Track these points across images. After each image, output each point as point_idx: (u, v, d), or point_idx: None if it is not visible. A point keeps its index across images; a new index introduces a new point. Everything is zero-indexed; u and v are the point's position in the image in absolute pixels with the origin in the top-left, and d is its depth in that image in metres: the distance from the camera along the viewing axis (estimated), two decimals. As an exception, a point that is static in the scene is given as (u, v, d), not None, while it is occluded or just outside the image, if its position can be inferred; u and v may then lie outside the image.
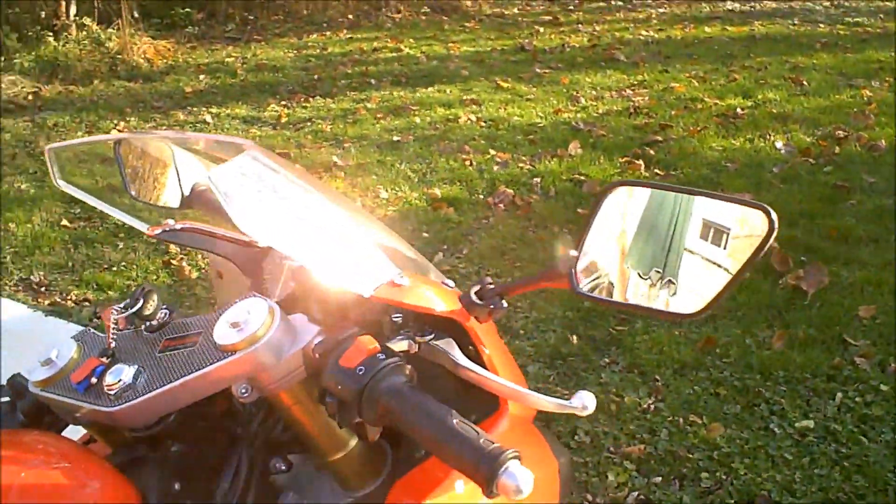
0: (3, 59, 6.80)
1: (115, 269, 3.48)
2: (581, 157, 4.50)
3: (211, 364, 0.71)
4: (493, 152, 4.64)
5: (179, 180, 1.02)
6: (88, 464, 0.72)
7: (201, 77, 6.86)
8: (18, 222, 3.93)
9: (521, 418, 0.91)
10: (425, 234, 3.69)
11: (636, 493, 2.17)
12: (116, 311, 0.80)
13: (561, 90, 5.87)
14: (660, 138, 4.66)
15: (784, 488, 2.14)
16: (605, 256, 0.87)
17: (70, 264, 3.53)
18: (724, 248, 0.82)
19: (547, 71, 6.46)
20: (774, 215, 0.77)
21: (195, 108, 5.85)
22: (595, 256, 0.87)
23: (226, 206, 0.75)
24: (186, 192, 1.03)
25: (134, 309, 0.79)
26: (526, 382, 0.93)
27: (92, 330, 0.82)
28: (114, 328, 0.80)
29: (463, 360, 0.80)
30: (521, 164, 4.46)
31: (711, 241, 0.82)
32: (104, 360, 0.76)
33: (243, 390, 0.75)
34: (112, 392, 0.73)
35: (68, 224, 3.91)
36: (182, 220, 1.03)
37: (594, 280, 0.87)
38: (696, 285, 0.82)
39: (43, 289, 3.35)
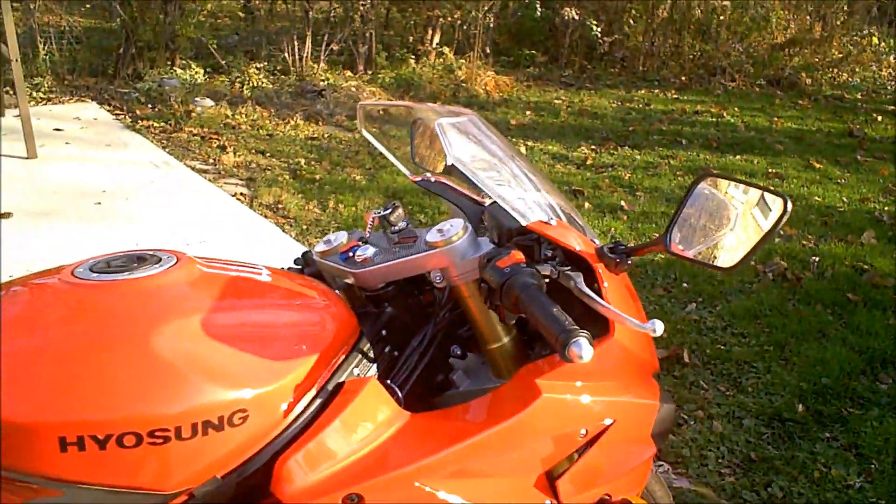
0: (370, 72, 8.06)
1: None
2: (872, 248, 4.38)
3: (420, 253, 1.13)
4: (779, 225, 4.67)
5: (445, 156, 1.47)
6: (337, 300, 1.16)
7: (528, 112, 7.56)
8: (346, 205, 4.77)
9: (632, 355, 1.19)
10: (685, 285, 3.90)
11: (811, 552, 2.26)
12: (374, 215, 1.26)
13: (876, 180, 5.66)
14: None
15: None
16: (688, 228, 1.16)
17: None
18: (755, 224, 1.09)
19: (868, 160, 6.22)
20: (790, 204, 1.07)
21: (513, 139, 6.51)
22: (682, 229, 1.16)
23: (444, 145, 1.15)
24: (448, 164, 1.47)
25: (384, 213, 1.24)
26: (644, 319, 1.20)
27: (356, 229, 1.29)
28: (370, 225, 1.26)
29: (584, 288, 1.12)
30: (804, 242, 4.46)
31: (748, 218, 1.10)
32: (360, 242, 1.22)
33: (437, 277, 1.15)
34: (359, 261, 1.17)
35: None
36: (436, 176, 1.47)
37: (679, 245, 1.16)
38: (735, 249, 1.10)
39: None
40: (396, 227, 1.23)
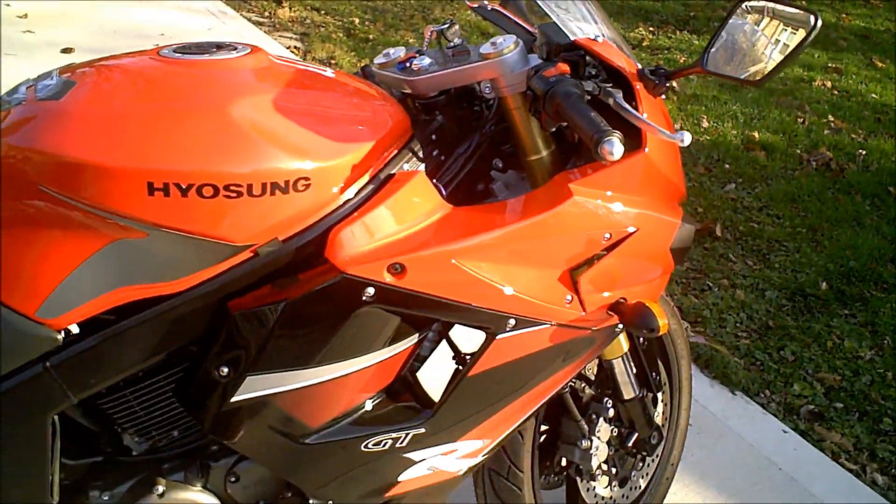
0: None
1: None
2: (922, 147, 4.35)
3: (474, 63, 1.23)
4: (831, 118, 4.64)
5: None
6: (394, 101, 1.25)
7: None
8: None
9: (661, 175, 1.29)
10: (727, 166, 3.94)
11: (812, 407, 2.41)
12: (433, 29, 1.34)
13: (938, 83, 5.52)
14: None
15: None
16: (724, 51, 1.24)
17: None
18: (785, 41, 1.17)
19: (934, 62, 6.04)
20: (819, 20, 1.14)
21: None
22: (719, 52, 1.24)
23: None
24: None
25: (442, 27, 1.33)
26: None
27: (412, 44, 1.38)
28: (428, 39, 1.35)
29: (622, 102, 1.20)
30: (853, 136, 4.44)
31: (779, 35, 1.18)
32: (417, 54, 1.31)
33: (487, 88, 1.24)
34: (415, 69, 1.26)
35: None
36: (492, 3, 1.55)
37: (717, 68, 1.24)
38: (766, 65, 1.19)
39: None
40: (452, 43, 1.31)
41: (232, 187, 0.99)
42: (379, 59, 1.32)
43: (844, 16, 7.31)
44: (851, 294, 3.02)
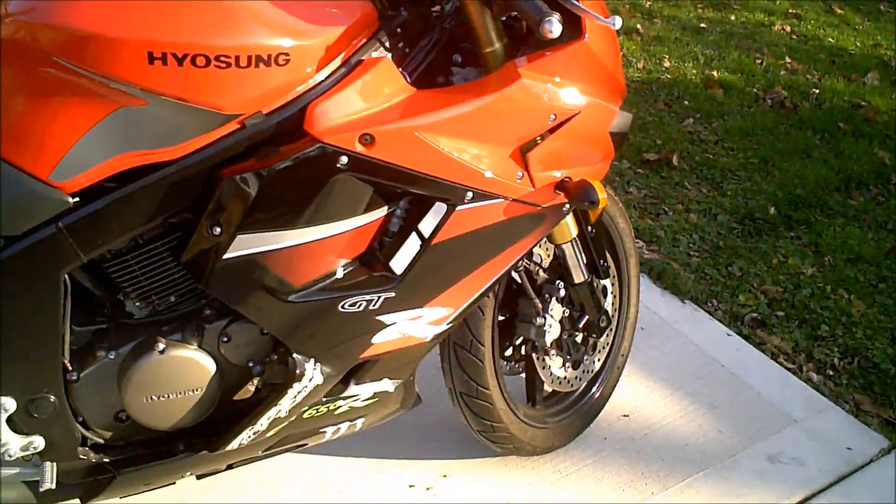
0: None
1: None
2: (873, 88, 4.54)
3: None
4: (788, 60, 4.81)
5: None
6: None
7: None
8: None
9: (601, 65, 1.43)
10: (686, 102, 4.10)
11: (755, 315, 2.61)
12: None
13: (893, 30, 5.70)
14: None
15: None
16: None
17: None
18: None
19: (891, 11, 6.20)
20: None
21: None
22: None
23: None
24: None
25: None
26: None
27: None
28: None
29: None
30: (808, 76, 4.62)
31: None
32: None
33: None
34: None
35: None
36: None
37: None
38: None
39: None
40: None
41: (222, 58, 1.12)
42: None
43: (807, -35, 7.46)
44: (797, 218, 3.21)
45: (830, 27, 5.60)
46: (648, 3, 5.67)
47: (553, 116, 1.36)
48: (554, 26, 1.18)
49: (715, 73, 4.46)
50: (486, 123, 1.31)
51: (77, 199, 1.17)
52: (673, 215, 3.13)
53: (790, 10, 5.84)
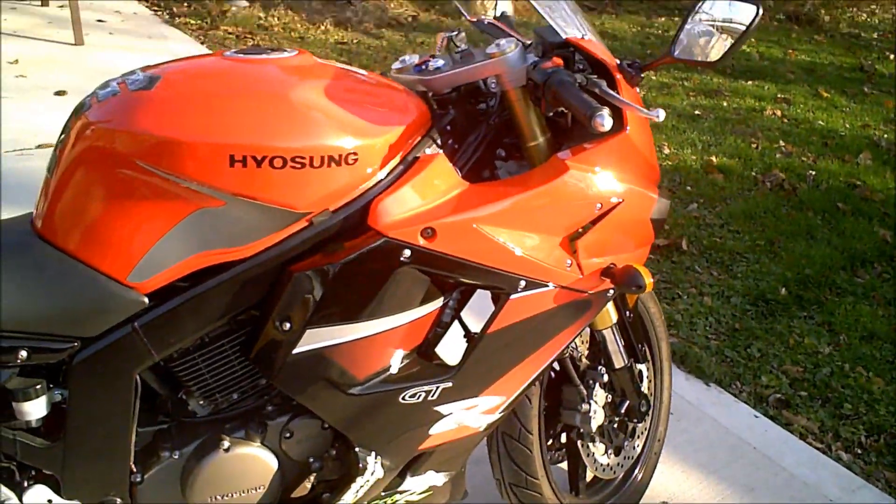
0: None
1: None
2: (867, 168, 4.68)
3: (481, 62, 1.44)
4: (782, 143, 4.97)
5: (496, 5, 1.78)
6: (417, 96, 1.42)
7: (549, 33, 7.75)
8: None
9: (641, 154, 1.51)
10: (689, 188, 4.21)
11: (779, 395, 2.63)
12: (444, 36, 1.56)
13: (880, 111, 5.91)
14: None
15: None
16: (686, 44, 1.49)
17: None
18: (735, 28, 1.43)
19: (875, 92, 6.46)
20: (761, 9, 1.39)
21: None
22: (683, 42, 1.49)
23: None
24: (498, 12, 1.78)
25: (452, 34, 1.54)
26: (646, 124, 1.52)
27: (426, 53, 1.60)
28: (440, 45, 1.57)
29: (607, 89, 1.39)
30: (804, 158, 4.76)
31: (730, 24, 1.44)
32: (430, 58, 1.52)
33: (493, 84, 1.46)
34: (431, 70, 1.47)
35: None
36: (489, 19, 1.78)
37: (682, 55, 1.49)
38: (723, 50, 1.45)
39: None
40: (460, 48, 1.53)
41: (297, 159, 1.18)
42: (396, 66, 1.53)
43: (791, 51, 7.76)
44: (808, 298, 3.27)
45: (819, 110, 5.80)
46: (643, 92, 5.86)
47: (599, 205, 1.43)
48: (605, 120, 1.26)
49: (714, 159, 4.60)
50: (538, 214, 1.37)
51: (151, 298, 1.21)
52: (688, 299, 3.18)
53: (779, 95, 6.06)
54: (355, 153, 1.24)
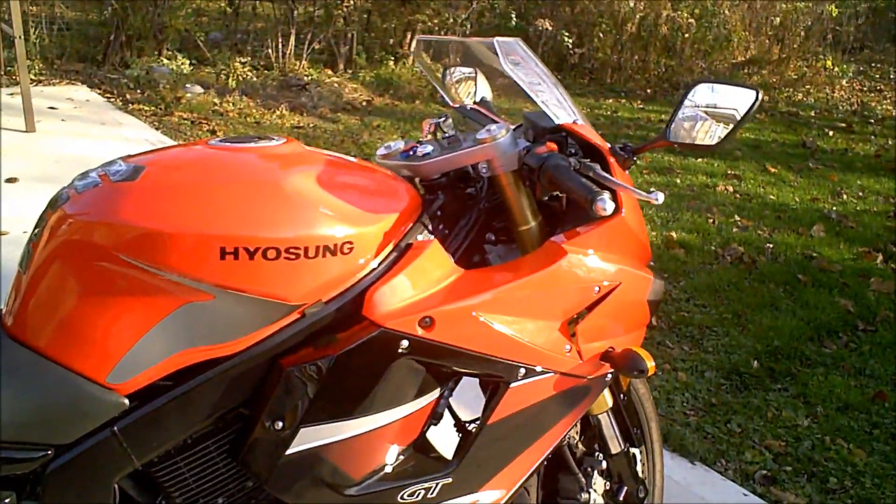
0: (350, 71, 8.36)
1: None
2: (821, 240, 4.78)
3: (472, 147, 1.41)
4: (737, 218, 5.06)
5: (475, 91, 1.78)
6: (407, 182, 1.39)
7: (501, 116, 7.89)
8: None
9: (635, 236, 1.49)
10: (652, 263, 4.22)
11: (765, 472, 2.58)
12: (431, 122, 1.54)
13: (826, 185, 6.09)
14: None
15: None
16: (682, 124, 1.48)
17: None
18: (733, 113, 1.43)
19: (819, 167, 6.67)
20: (761, 94, 1.39)
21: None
22: (678, 125, 1.49)
23: (500, 57, 1.44)
24: (478, 97, 1.77)
25: (439, 121, 1.52)
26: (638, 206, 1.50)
27: (409, 139, 1.57)
28: (427, 131, 1.54)
29: (602, 172, 1.39)
30: (759, 232, 4.85)
31: (725, 109, 1.43)
32: (417, 144, 1.50)
33: (483, 168, 1.43)
34: (420, 155, 1.45)
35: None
36: (472, 105, 1.77)
37: (678, 138, 1.48)
38: (718, 134, 1.43)
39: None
40: (447, 134, 1.51)
41: (292, 249, 1.12)
42: (381, 152, 1.49)
43: (734, 130, 8.01)
44: (780, 370, 3.26)
45: (769, 185, 5.96)
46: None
47: (597, 289, 1.39)
48: (607, 204, 1.23)
49: (673, 234, 4.65)
50: (537, 299, 1.33)
51: (132, 400, 1.12)
52: (662, 375, 3.15)
53: (729, 171, 6.22)
54: (351, 242, 1.19)
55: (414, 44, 1.92)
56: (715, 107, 1.46)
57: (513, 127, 1.62)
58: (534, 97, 1.43)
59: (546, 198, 1.41)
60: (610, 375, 1.48)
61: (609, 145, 1.47)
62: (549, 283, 1.34)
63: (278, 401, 1.17)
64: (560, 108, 1.47)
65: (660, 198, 1.30)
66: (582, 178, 1.29)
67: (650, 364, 1.40)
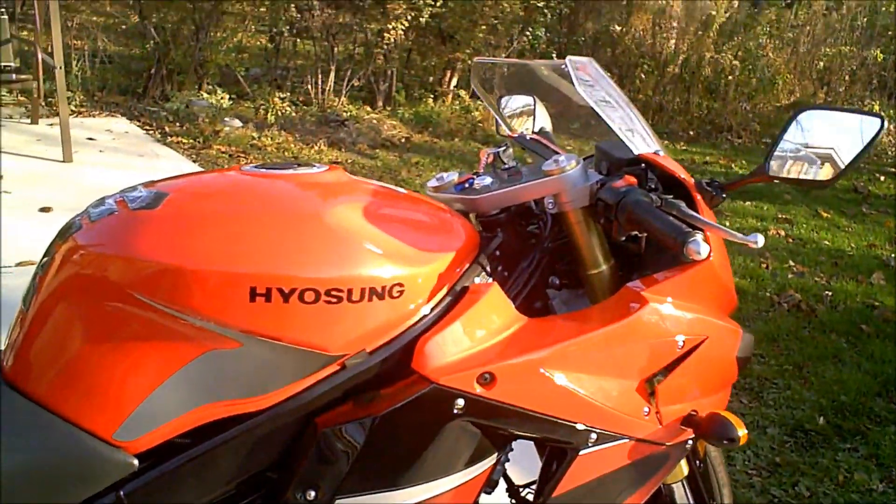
0: (389, 108, 8.30)
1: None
2: (881, 288, 4.53)
3: (538, 180, 1.25)
4: (791, 263, 4.83)
5: (534, 120, 1.62)
6: (463, 217, 1.25)
7: (542, 154, 7.76)
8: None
9: (722, 283, 1.30)
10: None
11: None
12: (489, 152, 1.38)
13: (882, 231, 5.83)
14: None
15: None
16: (784, 157, 1.29)
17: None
18: (849, 143, 1.23)
19: (873, 213, 6.41)
20: (885, 122, 1.19)
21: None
22: (779, 158, 1.30)
23: (574, 79, 1.28)
24: (536, 127, 1.61)
25: (499, 150, 1.36)
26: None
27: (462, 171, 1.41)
28: (484, 162, 1.38)
29: (688, 210, 1.23)
30: (816, 279, 4.61)
31: (837, 139, 1.24)
32: (473, 176, 1.34)
33: (550, 204, 1.27)
34: (477, 189, 1.29)
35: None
36: (531, 135, 1.61)
37: (780, 172, 1.29)
38: (830, 167, 1.24)
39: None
40: (507, 165, 1.35)
41: (333, 292, 0.96)
42: (432, 183, 1.34)
43: (782, 173, 7.78)
44: (849, 428, 3.02)
45: (822, 230, 5.71)
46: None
47: (681, 343, 1.21)
48: (701, 247, 1.06)
49: (726, 279, 4.43)
50: (614, 354, 1.15)
51: (143, 460, 0.96)
52: (720, 430, 2.92)
53: (780, 215, 5.98)
54: (401, 285, 1.02)
55: (472, 64, 1.81)
56: (825, 136, 1.28)
57: (583, 158, 1.45)
58: (609, 123, 1.26)
59: (622, 238, 1.24)
60: (691, 442, 1.29)
61: (694, 179, 1.30)
62: (627, 336, 1.16)
63: (311, 466, 0.99)
64: (638, 136, 1.30)
65: (760, 241, 1.12)
66: (669, 216, 1.12)
67: (742, 432, 1.21)
